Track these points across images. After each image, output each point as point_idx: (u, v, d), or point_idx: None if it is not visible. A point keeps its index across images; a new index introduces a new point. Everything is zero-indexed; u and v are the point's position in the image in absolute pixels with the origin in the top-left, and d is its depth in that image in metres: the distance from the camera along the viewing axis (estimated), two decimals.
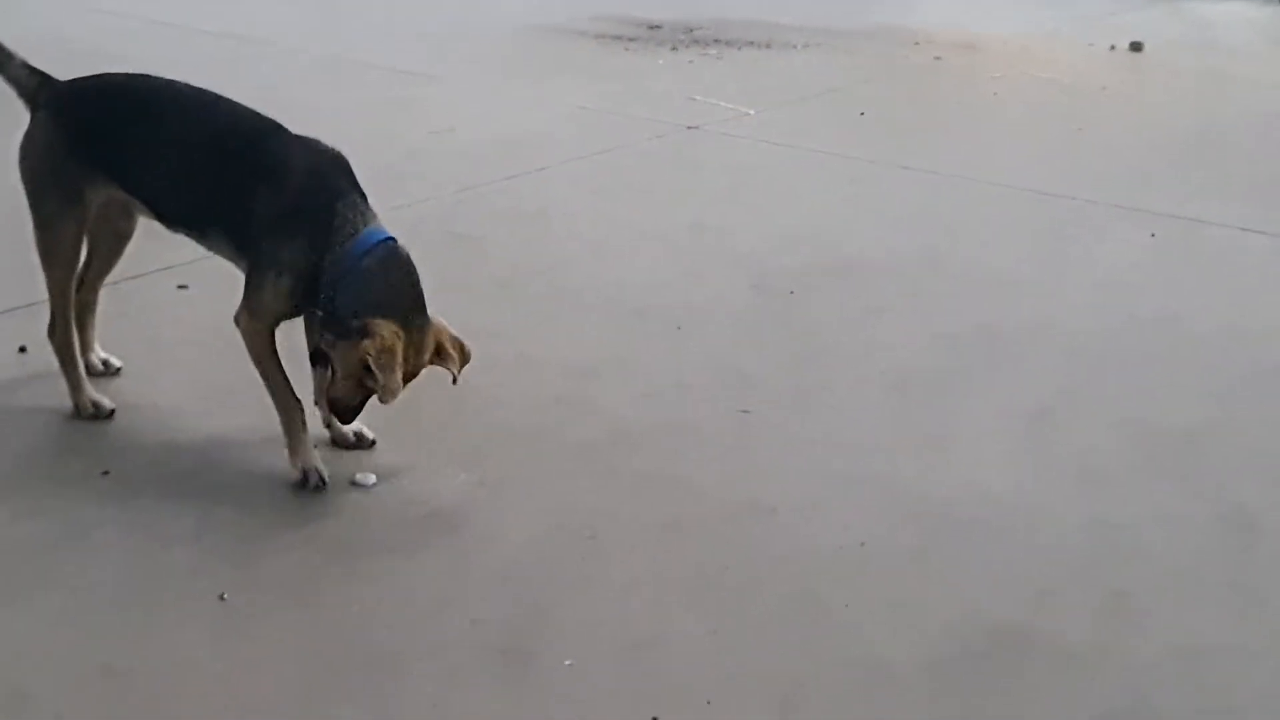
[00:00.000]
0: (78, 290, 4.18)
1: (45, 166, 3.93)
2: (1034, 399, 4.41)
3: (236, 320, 3.78)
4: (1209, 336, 4.94)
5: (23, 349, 4.31)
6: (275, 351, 3.79)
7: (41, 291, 4.00)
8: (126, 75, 4.09)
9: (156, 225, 4.02)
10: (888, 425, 4.24)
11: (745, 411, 4.24)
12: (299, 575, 3.34)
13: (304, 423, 3.79)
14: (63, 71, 4.03)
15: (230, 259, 3.87)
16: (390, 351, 3.58)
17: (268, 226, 3.73)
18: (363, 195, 3.78)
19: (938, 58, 9.53)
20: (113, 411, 4.00)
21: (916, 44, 9.85)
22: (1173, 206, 6.47)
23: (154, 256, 4.45)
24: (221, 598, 3.20)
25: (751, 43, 9.58)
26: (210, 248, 3.92)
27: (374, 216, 3.76)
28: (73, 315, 4.03)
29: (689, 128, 7.37)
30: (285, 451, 3.76)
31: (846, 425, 4.24)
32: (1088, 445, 4.14)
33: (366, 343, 3.59)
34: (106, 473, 3.69)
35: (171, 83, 4.06)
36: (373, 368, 3.58)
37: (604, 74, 8.54)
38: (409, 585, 3.33)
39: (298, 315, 3.83)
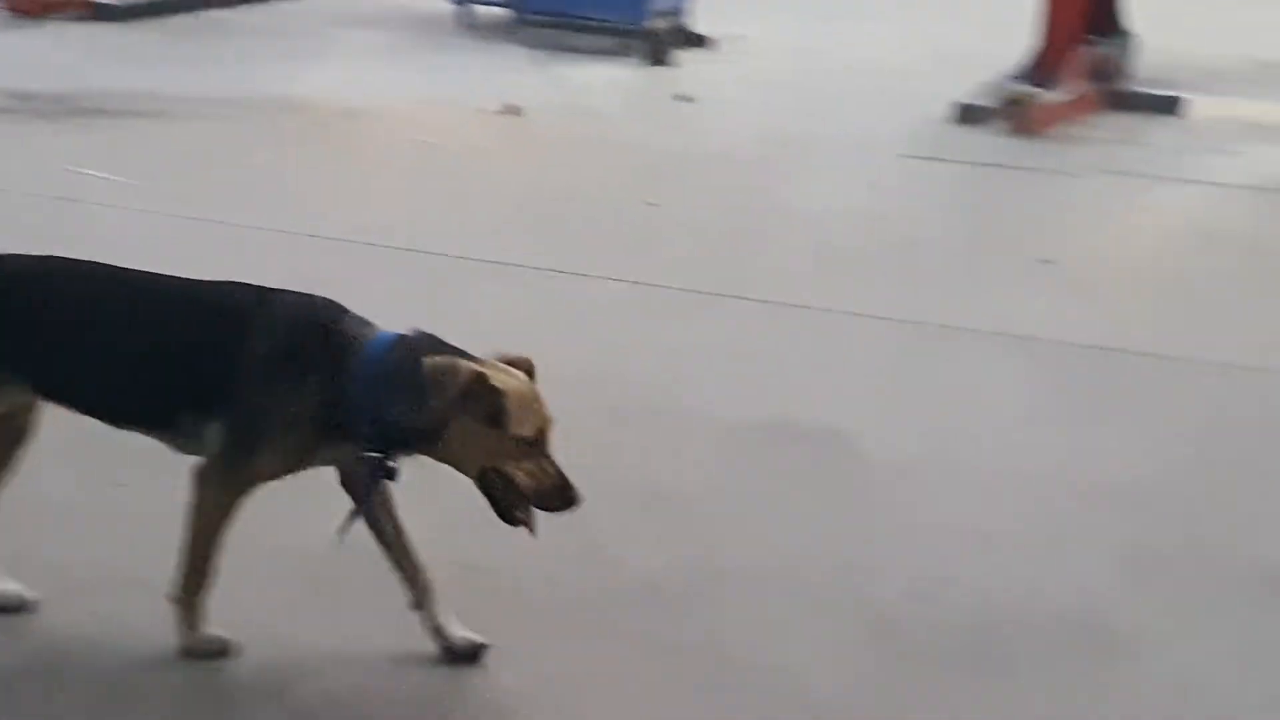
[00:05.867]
0: None
1: None
2: None
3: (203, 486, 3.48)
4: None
5: None
6: None
7: None
8: (36, 258, 3.67)
9: None
10: None
11: None
12: None
13: None
14: None
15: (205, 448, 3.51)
16: (450, 366, 3.31)
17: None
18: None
19: (320, 125, 9.73)
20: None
21: (299, 111, 10.01)
22: (547, 261, 6.91)
23: None
24: None
25: (136, 113, 9.48)
26: (179, 443, 3.56)
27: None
28: None
29: (70, 200, 7.24)
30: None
31: None
32: None
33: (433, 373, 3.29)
34: None
35: (92, 263, 3.66)
36: (451, 388, 3.27)
37: None
38: None
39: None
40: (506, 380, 3.36)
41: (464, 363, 3.34)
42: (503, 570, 4.03)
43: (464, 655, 3.68)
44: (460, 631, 3.69)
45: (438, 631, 3.67)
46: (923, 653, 4.03)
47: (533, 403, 3.39)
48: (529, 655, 3.73)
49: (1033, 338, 6.32)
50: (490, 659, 3.71)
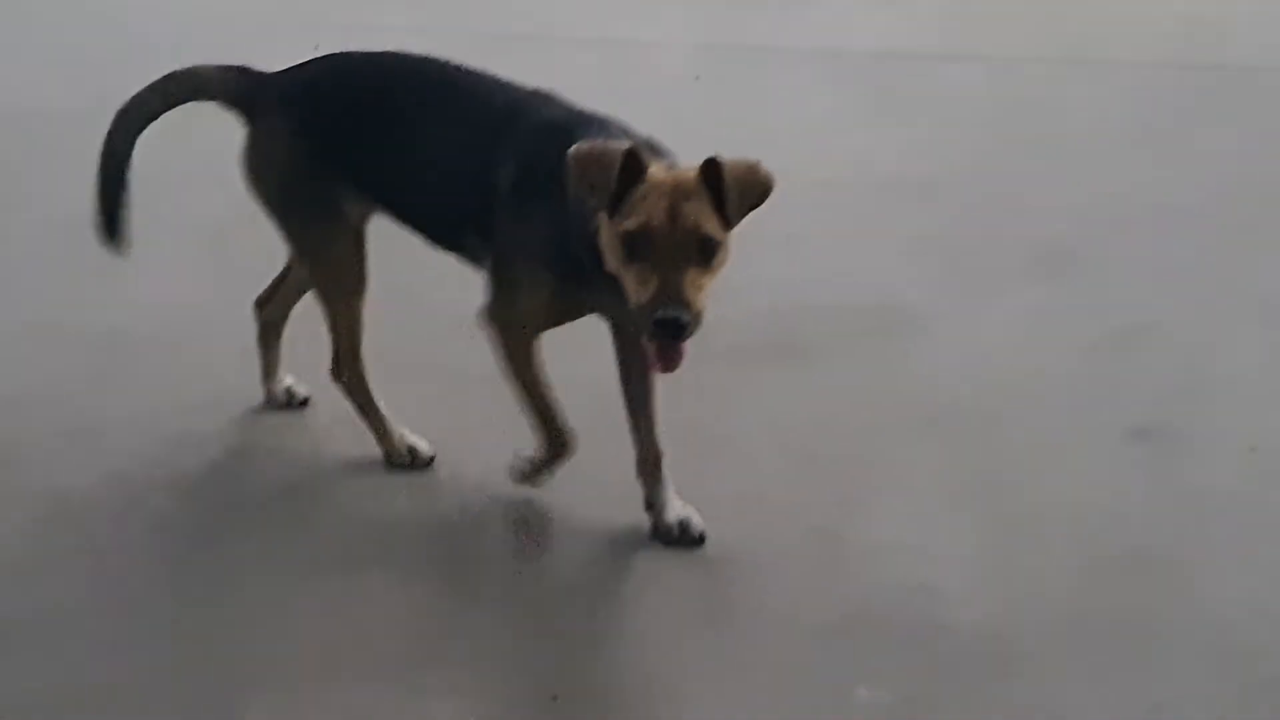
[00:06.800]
0: (263, 307, 3.67)
1: (290, 187, 3.27)
2: None
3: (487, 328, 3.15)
4: None
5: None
6: None
7: None
8: (364, 55, 3.32)
9: None
10: None
11: None
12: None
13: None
14: None
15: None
16: (598, 149, 2.74)
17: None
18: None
19: None
20: (433, 459, 3.53)
21: None
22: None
23: None
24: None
25: None
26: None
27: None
28: (360, 349, 3.43)
29: None
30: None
31: None
32: None
33: (577, 160, 2.74)
34: None
35: (425, 59, 3.27)
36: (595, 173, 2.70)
37: None
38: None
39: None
40: (655, 170, 2.74)
41: (614, 144, 2.77)
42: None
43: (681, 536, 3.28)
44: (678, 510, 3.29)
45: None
46: (732, 351, 4.23)
47: (655, 197, 2.70)
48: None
49: (835, 50, 6.47)
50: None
